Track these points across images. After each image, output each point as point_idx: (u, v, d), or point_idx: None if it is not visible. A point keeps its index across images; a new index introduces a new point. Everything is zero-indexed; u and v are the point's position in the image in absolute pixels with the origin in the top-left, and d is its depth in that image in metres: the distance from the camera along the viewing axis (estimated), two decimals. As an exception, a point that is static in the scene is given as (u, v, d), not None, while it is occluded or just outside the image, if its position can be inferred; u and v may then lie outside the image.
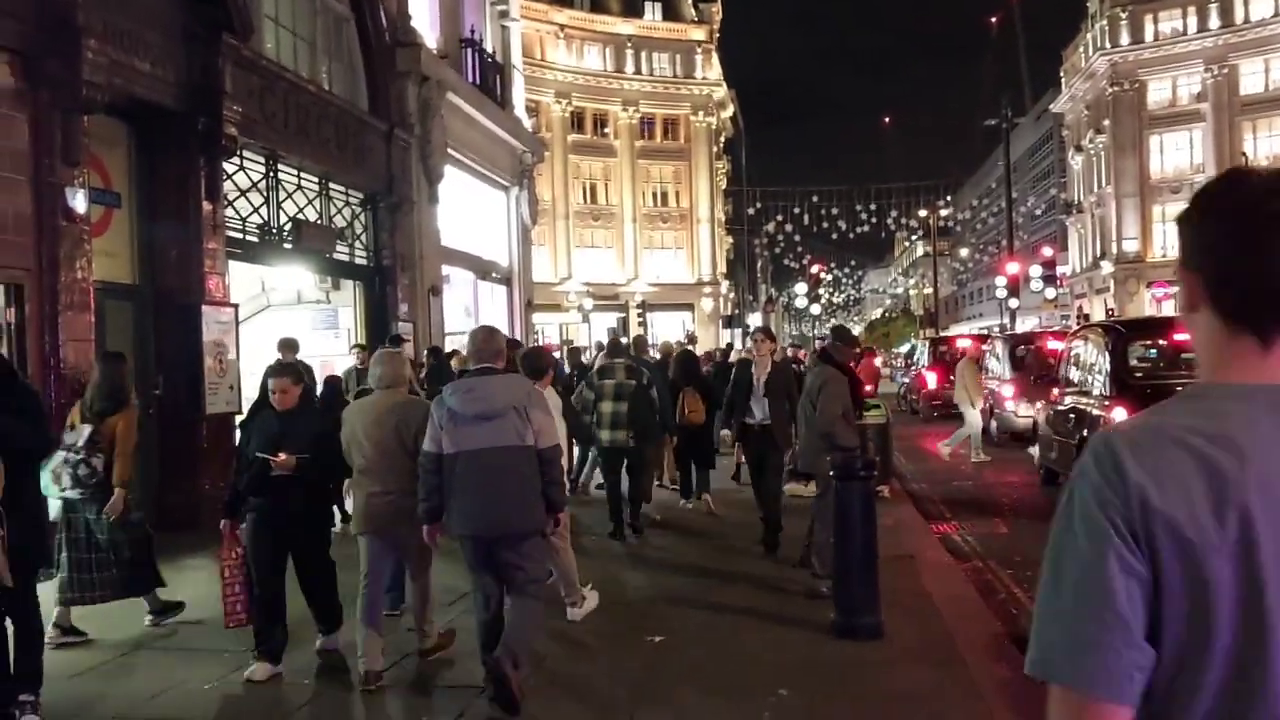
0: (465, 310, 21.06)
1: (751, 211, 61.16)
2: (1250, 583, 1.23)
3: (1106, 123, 56.58)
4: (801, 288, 40.73)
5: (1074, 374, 12.36)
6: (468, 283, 21.41)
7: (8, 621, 5.25)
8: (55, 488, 6.39)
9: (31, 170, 8.87)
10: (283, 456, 5.87)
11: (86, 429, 6.57)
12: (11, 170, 8.66)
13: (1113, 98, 55.46)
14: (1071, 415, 11.77)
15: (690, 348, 27.71)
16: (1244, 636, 1.23)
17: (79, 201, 9.17)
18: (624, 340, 12.89)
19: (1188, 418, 1.30)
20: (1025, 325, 37.30)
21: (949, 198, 72.47)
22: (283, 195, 13.63)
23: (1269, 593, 1.23)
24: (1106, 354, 11.10)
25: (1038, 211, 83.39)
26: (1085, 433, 11.18)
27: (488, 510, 5.33)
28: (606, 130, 54.96)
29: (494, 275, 22.87)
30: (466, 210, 20.23)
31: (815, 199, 58.50)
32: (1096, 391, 11.28)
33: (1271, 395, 1.30)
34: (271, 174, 13.34)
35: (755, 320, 69.11)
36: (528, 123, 26.14)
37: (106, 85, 9.35)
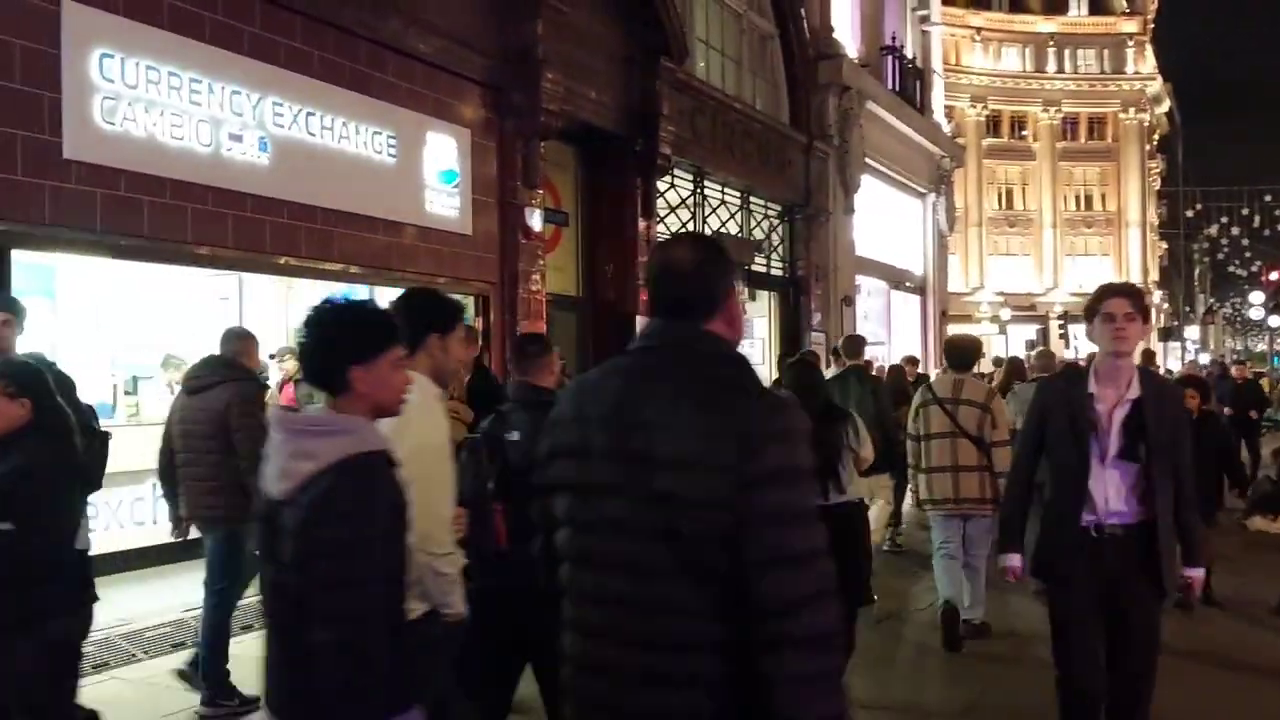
0: (869, 318, 20.76)
1: (1190, 214, 55.55)
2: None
3: None
4: (1255, 297, 36.32)
5: None
6: (880, 292, 21.13)
7: None
8: None
9: (498, 193, 9.81)
10: None
11: None
12: (483, 193, 9.62)
13: None
14: None
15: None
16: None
17: (536, 221, 10.01)
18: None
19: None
20: None
21: None
22: (708, 210, 14.14)
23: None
24: None
25: None
26: None
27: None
28: (1024, 133, 52.33)
29: (907, 284, 22.41)
30: (881, 218, 19.96)
31: (1268, 199, 51.98)
32: None
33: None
34: (698, 189, 13.87)
35: (1193, 333, 62.53)
36: (946, 127, 25.42)
37: (560, 112, 10.13)
